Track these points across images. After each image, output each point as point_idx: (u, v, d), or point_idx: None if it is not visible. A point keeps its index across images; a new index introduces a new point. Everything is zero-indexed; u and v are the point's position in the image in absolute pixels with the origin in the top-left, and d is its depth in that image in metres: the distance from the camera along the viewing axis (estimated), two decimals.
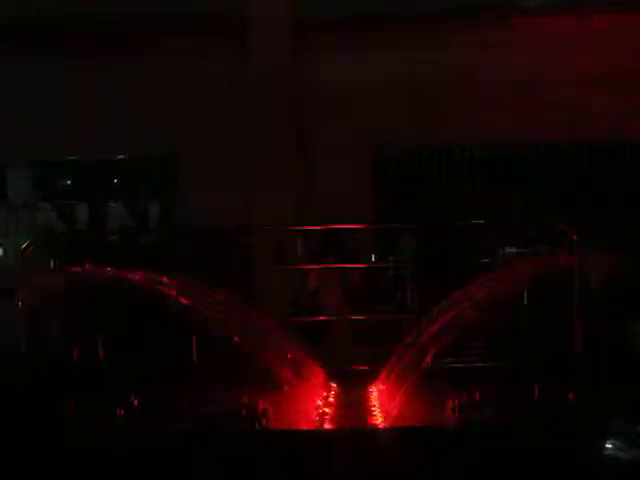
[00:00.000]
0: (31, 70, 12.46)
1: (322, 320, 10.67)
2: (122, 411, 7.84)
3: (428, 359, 7.81)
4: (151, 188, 12.94)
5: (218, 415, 7.70)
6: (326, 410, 7.85)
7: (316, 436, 7.27)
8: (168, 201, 12.90)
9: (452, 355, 8.83)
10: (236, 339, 8.24)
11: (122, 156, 13.00)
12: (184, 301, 8.58)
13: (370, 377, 8.49)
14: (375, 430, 7.40)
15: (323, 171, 12.46)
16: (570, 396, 7.90)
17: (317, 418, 7.67)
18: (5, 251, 11.92)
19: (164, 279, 8.61)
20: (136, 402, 8.08)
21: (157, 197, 12.91)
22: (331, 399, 8.24)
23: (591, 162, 12.72)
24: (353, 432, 7.39)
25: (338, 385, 8.63)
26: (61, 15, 12.02)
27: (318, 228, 11.47)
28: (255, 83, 12.29)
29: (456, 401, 7.72)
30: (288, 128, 12.31)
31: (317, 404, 7.92)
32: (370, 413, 7.82)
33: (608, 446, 6.73)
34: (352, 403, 8.19)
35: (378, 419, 7.62)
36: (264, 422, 7.55)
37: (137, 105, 12.43)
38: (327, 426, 7.57)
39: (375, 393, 8.24)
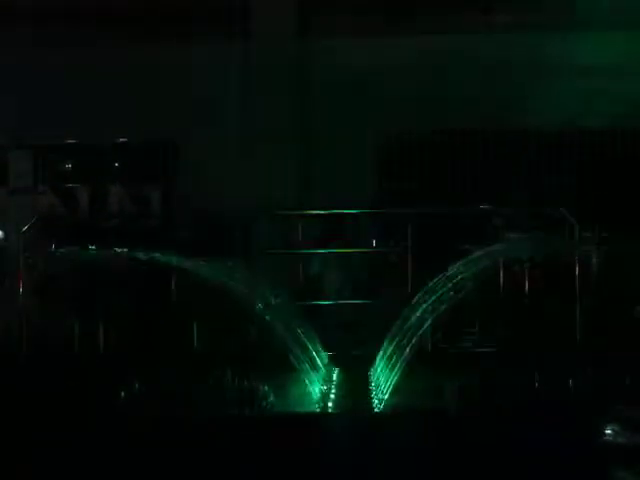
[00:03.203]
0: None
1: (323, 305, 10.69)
2: None
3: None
4: (152, 173, 12.93)
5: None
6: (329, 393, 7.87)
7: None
8: (168, 186, 12.88)
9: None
10: None
11: (123, 140, 12.99)
12: None
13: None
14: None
15: None
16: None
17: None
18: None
19: None
20: None
21: (158, 182, 12.89)
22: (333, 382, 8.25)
23: None
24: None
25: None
26: None
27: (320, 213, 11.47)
28: None
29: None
30: None
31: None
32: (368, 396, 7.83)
33: (608, 432, 6.74)
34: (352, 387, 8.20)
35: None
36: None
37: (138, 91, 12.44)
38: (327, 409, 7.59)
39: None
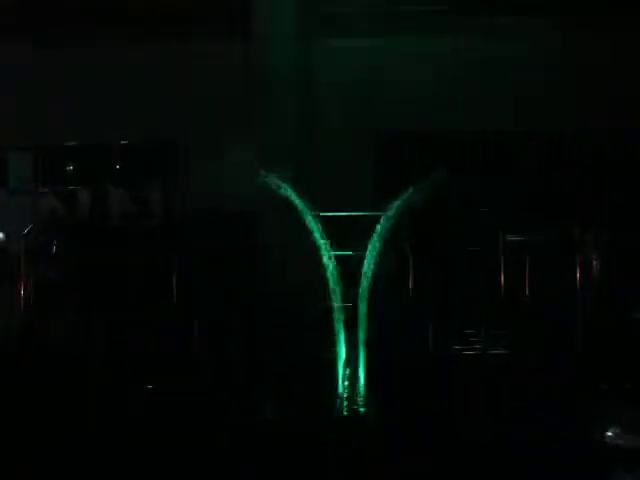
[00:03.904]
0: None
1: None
2: None
3: None
4: (153, 173, 12.91)
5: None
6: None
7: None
8: (169, 186, 12.87)
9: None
10: None
11: (124, 142, 12.98)
12: None
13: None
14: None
15: None
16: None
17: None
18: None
19: None
20: None
21: (157, 182, 12.87)
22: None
23: None
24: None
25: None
26: None
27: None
28: None
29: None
30: None
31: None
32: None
33: (609, 434, 6.75)
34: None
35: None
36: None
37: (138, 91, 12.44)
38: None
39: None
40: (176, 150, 12.87)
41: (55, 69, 12.52)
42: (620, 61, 12.14)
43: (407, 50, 12.45)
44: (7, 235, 11.53)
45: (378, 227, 8.18)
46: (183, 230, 11.91)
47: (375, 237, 8.20)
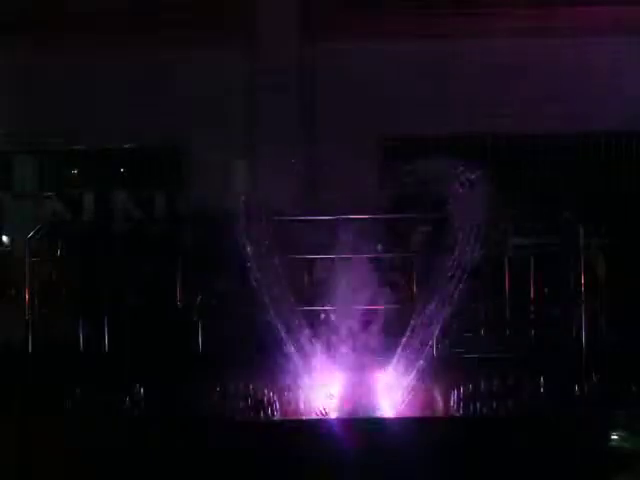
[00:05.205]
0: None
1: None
2: None
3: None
4: (156, 176, 12.95)
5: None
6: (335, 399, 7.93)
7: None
8: (172, 189, 12.90)
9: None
10: None
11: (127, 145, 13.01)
12: None
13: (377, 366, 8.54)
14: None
15: None
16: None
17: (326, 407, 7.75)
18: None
19: None
20: None
21: (160, 187, 12.90)
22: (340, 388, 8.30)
23: None
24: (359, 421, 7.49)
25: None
26: None
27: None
28: None
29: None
30: None
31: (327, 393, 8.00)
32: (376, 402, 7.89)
33: (614, 437, 6.80)
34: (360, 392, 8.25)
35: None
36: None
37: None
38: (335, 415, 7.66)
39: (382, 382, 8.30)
40: (178, 153, 12.90)
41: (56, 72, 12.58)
42: None
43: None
44: (12, 239, 11.58)
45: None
46: (186, 232, 11.93)
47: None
